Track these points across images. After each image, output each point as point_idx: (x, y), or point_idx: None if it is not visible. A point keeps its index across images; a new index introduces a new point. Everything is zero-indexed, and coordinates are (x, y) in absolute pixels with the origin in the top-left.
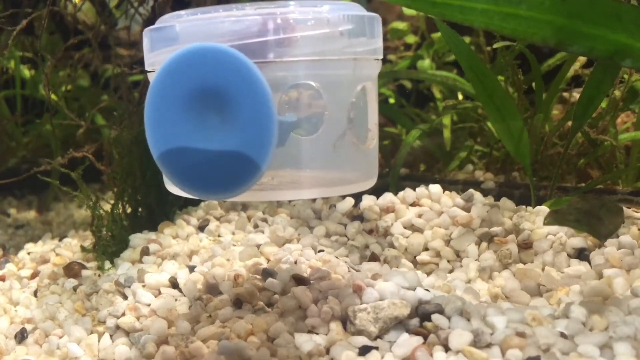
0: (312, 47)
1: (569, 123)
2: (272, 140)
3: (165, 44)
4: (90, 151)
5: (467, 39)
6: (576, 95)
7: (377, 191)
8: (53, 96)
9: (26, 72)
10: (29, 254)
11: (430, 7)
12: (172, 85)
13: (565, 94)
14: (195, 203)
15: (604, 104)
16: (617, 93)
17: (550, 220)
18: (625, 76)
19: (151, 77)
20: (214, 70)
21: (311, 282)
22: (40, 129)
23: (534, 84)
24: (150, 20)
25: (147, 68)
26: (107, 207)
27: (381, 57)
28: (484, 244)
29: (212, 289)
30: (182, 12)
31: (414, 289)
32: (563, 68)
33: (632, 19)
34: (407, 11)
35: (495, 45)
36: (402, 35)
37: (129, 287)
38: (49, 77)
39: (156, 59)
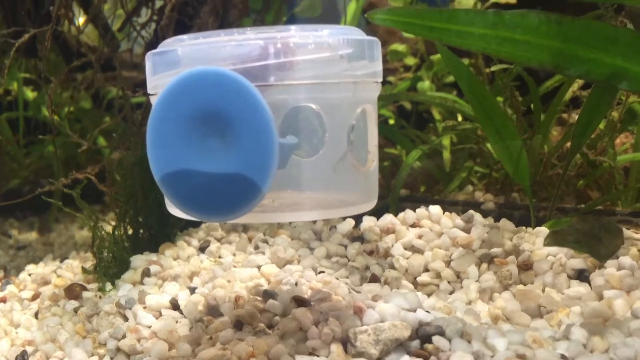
0: (313, 70)
1: (568, 144)
2: (273, 163)
3: (167, 68)
4: (92, 173)
5: (465, 61)
6: (575, 116)
7: (377, 212)
8: (55, 117)
9: (29, 94)
10: (30, 275)
11: (428, 31)
12: (174, 108)
13: (564, 116)
14: (196, 224)
15: (602, 126)
16: (615, 114)
17: (550, 241)
18: (623, 98)
19: (153, 100)
20: (215, 94)
21: (312, 303)
22: (42, 151)
23: (532, 106)
24: (152, 43)
25: (149, 91)
26: (108, 228)
27: (381, 80)
28: (484, 265)
29: (213, 310)
30: (184, 36)
31: (415, 311)
32: (561, 90)
33: (628, 42)
34: (407, 34)
35: (492, 68)
36: (401, 57)
37: (130, 308)
38: (52, 99)
39: (158, 82)
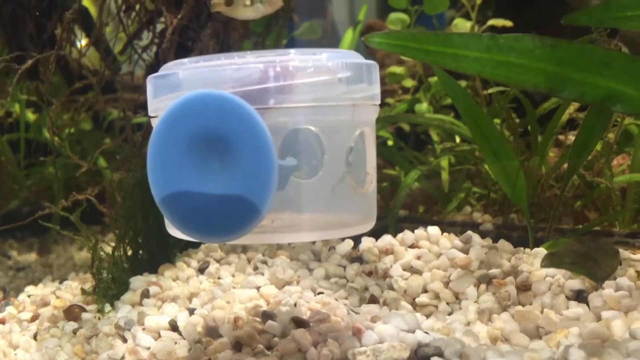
0: (312, 93)
1: (565, 165)
2: (272, 185)
3: (168, 91)
4: (92, 194)
5: (463, 83)
6: (571, 137)
7: (376, 233)
8: (56, 139)
9: (30, 116)
10: (29, 296)
11: (425, 55)
12: (175, 130)
13: (561, 137)
14: (195, 245)
15: (598, 147)
16: (611, 136)
17: (547, 262)
18: (619, 120)
19: (154, 122)
20: (215, 117)
21: (311, 324)
22: (43, 172)
23: (529, 127)
24: (153, 66)
25: (150, 114)
26: (108, 249)
27: (379, 102)
28: (483, 286)
29: (212, 331)
30: (185, 60)
31: (413, 332)
32: (558, 112)
33: (621, 65)
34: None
35: (489, 91)
36: (399, 79)
37: (129, 330)
38: (53, 120)
39: (159, 105)
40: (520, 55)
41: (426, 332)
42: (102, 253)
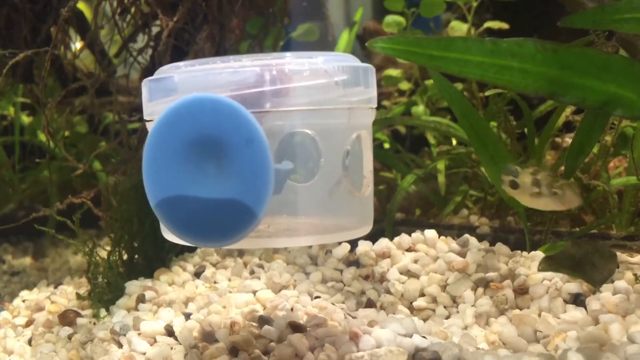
0: (308, 96)
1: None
2: (268, 189)
3: (164, 95)
4: (87, 197)
5: (460, 86)
6: (568, 140)
7: (373, 236)
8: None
9: (25, 119)
10: (24, 301)
11: (428, 60)
12: (171, 134)
13: (558, 140)
14: (191, 249)
15: (595, 150)
16: (608, 139)
17: (545, 266)
18: (616, 122)
19: (150, 126)
20: (211, 120)
21: (307, 329)
22: (38, 175)
23: (526, 130)
24: (149, 69)
25: (145, 117)
26: (103, 253)
27: (375, 105)
28: (480, 290)
29: (208, 336)
30: (181, 63)
31: (411, 336)
32: (554, 115)
33: (621, 69)
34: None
35: (487, 93)
36: (396, 82)
37: (124, 335)
38: (49, 120)
39: (155, 108)
40: (522, 59)
41: (424, 337)
42: (97, 257)
